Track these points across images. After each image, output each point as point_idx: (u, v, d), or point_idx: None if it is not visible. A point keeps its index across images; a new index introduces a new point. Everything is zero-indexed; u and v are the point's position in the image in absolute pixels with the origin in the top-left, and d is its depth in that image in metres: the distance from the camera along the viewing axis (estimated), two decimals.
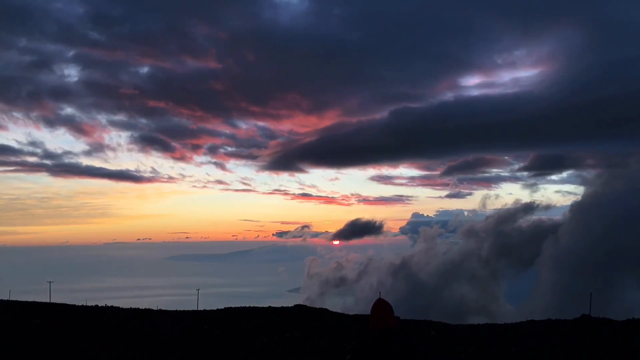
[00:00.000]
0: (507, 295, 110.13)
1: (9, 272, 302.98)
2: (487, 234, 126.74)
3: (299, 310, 21.07)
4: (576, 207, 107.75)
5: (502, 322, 20.23)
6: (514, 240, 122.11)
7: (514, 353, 13.43)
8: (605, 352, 13.11)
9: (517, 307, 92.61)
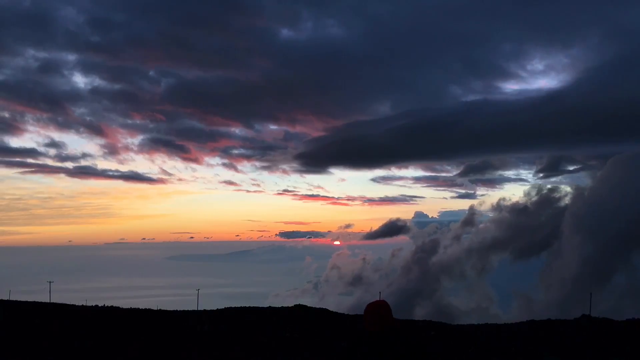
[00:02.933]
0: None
1: (10, 272, 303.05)
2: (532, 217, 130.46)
3: (299, 310, 21.07)
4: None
5: (502, 322, 20.23)
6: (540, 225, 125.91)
7: (514, 353, 13.42)
8: (605, 352, 13.10)
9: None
